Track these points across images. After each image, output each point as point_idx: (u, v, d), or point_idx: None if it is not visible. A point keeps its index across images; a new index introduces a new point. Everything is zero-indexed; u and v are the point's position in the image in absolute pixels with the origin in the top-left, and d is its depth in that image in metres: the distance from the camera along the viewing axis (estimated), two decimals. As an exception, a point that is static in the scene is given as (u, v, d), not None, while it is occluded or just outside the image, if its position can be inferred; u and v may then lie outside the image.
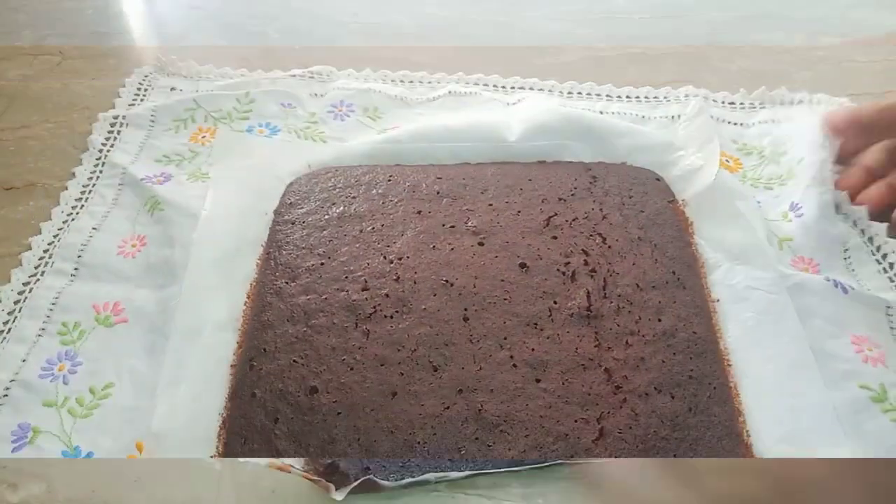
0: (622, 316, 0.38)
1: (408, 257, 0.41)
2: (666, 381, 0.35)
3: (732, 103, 0.55)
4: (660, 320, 0.37)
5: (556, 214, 0.43)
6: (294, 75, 0.58)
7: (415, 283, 0.40)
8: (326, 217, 0.44)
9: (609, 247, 0.41)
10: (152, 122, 0.54)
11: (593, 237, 0.42)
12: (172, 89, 0.58)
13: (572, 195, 0.44)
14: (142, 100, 0.57)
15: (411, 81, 0.59)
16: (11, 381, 0.39)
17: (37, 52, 0.64)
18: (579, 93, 0.56)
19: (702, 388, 0.35)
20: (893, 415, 0.35)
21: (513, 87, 0.57)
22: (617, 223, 0.42)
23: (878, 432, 0.34)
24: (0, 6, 0.69)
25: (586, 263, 0.40)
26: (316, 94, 0.57)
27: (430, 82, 0.59)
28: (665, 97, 0.55)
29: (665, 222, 0.43)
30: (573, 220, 0.43)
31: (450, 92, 0.56)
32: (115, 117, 0.54)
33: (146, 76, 0.59)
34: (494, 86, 0.58)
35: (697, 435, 0.33)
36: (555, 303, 0.38)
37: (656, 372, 0.35)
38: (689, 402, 0.34)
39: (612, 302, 0.38)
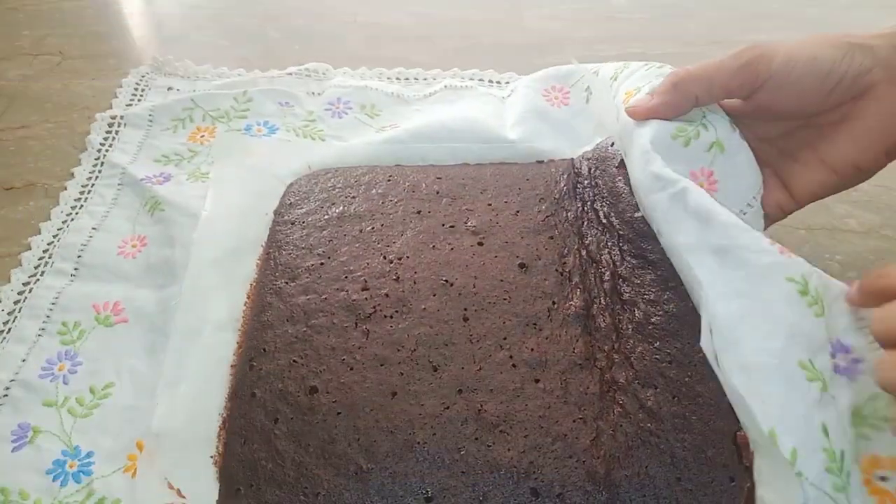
0: (607, 313, 0.37)
1: (407, 257, 0.41)
2: (648, 371, 0.34)
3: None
4: (634, 311, 0.37)
5: (552, 214, 0.43)
6: (290, 73, 0.58)
7: (414, 283, 0.40)
8: (326, 217, 0.44)
9: (591, 242, 0.41)
10: (150, 121, 0.55)
11: (583, 235, 0.42)
12: (170, 89, 0.59)
13: (564, 194, 0.44)
14: (139, 100, 0.58)
15: (407, 78, 0.59)
16: (11, 380, 0.39)
17: (37, 52, 0.64)
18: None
19: (682, 369, 0.34)
20: (818, 308, 0.31)
21: (507, 82, 0.58)
22: (593, 217, 0.42)
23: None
24: (0, 6, 0.70)
25: (580, 263, 0.40)
26: (313, 93, 0.57)
27: (425, 79, 0.59)
28: None
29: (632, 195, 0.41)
30: (565, 219, 0.43)
31: (445, 86, 0.57)
32: (113, 117, 0.55)
33: (143, 76, 0.59)
34: (490, 81, 0.58)
35: (683, 423, 0.33)
36: (553, 303, 0.38)
37: (638, 365, 0.35)
38: (672, 390, 0.34)
39: (600, 301, 0.38)
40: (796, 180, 0.38)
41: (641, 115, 0.38)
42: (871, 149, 0.35)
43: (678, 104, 0.37)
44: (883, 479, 0.28)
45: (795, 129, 0.38)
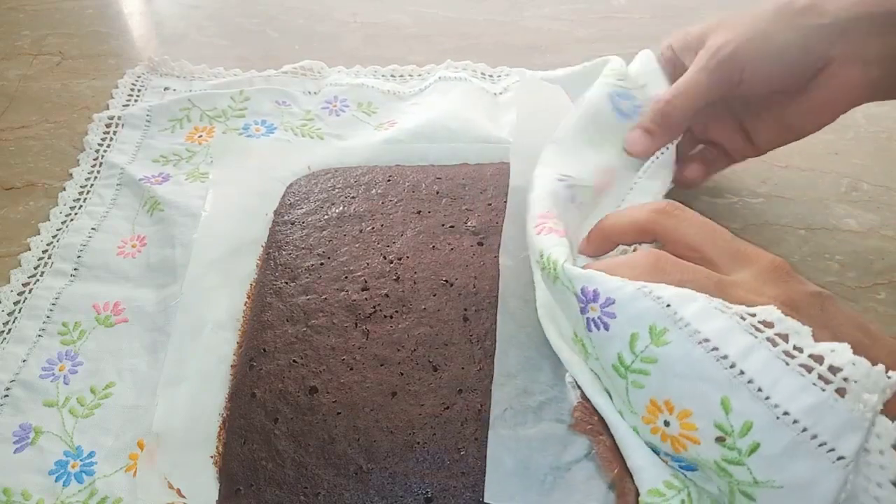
0: None
1: (407, 257, 0.41)
2: None
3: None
4: None
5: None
6: (286, 72, 0.58)
7: (414, 283, 0.40)
8: (326, 217, 0.44)
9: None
10: (148, 122, 0.55)
11: None
12: (166, 89, 0.58)
13: None
14: (136, 100, 0.58)
15: (402, 75, 0.59)
16: (12, 381, 0.39)
17: (37, 52, 0.64)
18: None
19: None
20: (553, 273, 0.31)
21: (500, 76, 0.59)
22: None
23: None
24: (0, 6, 0.70)
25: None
26: (310, 92, 0.57)
27: (420, 75, 0.59)
28: None
29: None
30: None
31: (440, 77, 0.57)
32: (111, 118, 0.55)
33: (139, 77, 0.59)
34: (482, 73, 0.59)
35: None
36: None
37: None
38: None
39: None
40: (757, 134, 0.41)
41: (640, 155, 0.40)
42: (827, 116, 0.39)
43: (673, 139, 0.40)
44: (666, 423, 0.27)
45: None
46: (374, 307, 0.39)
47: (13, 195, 0.50)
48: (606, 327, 0.28)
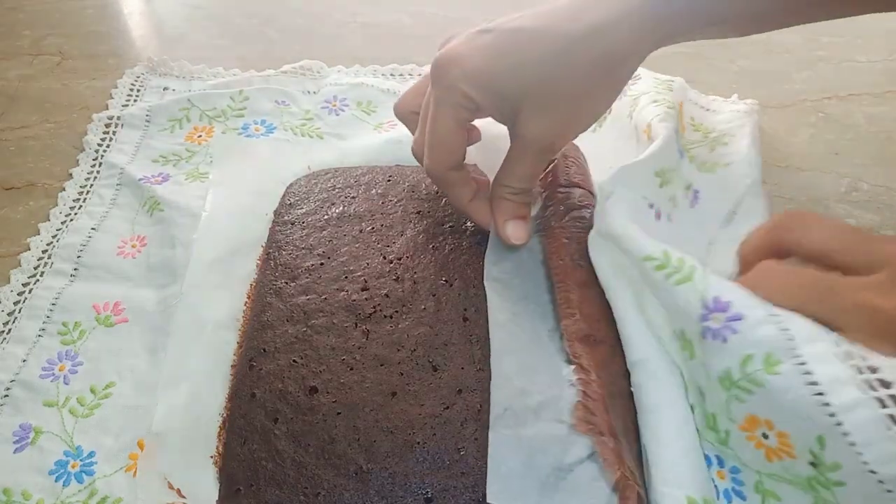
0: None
1: (407, 257, 0.41)
2: None
3: None
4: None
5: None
6: (286, 71, 0.58)
7: (414, 283, 0.40)
8: (326, 217, 0.44)
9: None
10: (147, 122, 0.55)
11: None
12: (165, 89, 0.59)
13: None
14: (135, 100, 0.58)
15: (402, 74, 0.59)
16: (12, 381, 0.39)
17: (37, 52, 0.64)
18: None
19: None
20: (679, 276, 0.31)
21: None
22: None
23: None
24: (0, 6, 0.70)
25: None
26: (309, 91, 0.57)
27: (419, 74, 0.59)
28: None
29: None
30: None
31: None
32: (111, 118, 0.55)
33: (138, 77, 0.59)
34: None
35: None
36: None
37: None
38: None
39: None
40: None
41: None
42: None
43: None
44: (765, 436, 0.28)
45: None
46: (374, 307, 0.39)
47: (13, 195, 0.50)
48: (724, 339, 0.28)
